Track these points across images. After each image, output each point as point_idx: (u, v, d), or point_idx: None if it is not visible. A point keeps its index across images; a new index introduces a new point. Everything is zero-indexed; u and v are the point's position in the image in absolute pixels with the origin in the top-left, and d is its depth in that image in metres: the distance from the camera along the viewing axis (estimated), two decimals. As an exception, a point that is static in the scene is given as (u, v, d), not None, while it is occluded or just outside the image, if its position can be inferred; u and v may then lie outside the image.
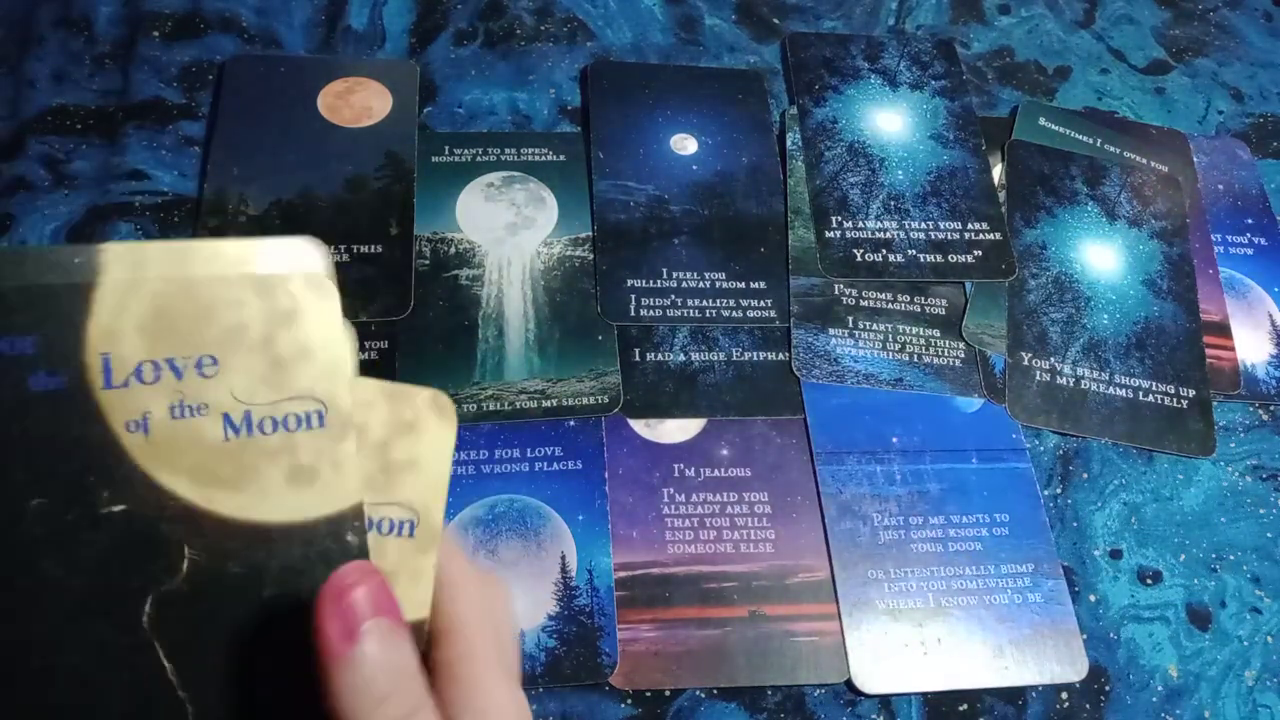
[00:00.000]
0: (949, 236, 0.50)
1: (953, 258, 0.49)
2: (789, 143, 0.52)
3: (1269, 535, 0.45)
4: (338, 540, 0.21)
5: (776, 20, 0.58)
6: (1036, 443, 0.46)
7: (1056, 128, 0.56)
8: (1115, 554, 0.43)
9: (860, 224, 0.50)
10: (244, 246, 0.21)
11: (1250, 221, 0.55)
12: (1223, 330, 0.50)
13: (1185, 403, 0.47)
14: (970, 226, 0.50)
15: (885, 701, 0.39)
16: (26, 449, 0.19)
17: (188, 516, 0.20)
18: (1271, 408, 0.49)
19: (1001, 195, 0.52)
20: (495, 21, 0.55)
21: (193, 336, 0.20)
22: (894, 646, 0.39)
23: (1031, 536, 0.43)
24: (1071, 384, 0.47)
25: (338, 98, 0.50)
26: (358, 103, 0.50)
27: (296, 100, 0.49)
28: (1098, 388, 0.47)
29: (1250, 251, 0.53)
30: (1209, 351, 0.49)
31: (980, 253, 0.50)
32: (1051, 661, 0.40)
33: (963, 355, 0.47)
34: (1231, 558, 0.44)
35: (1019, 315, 0.48)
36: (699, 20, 0.58)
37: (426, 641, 0.22)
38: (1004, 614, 0.41)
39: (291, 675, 0.20)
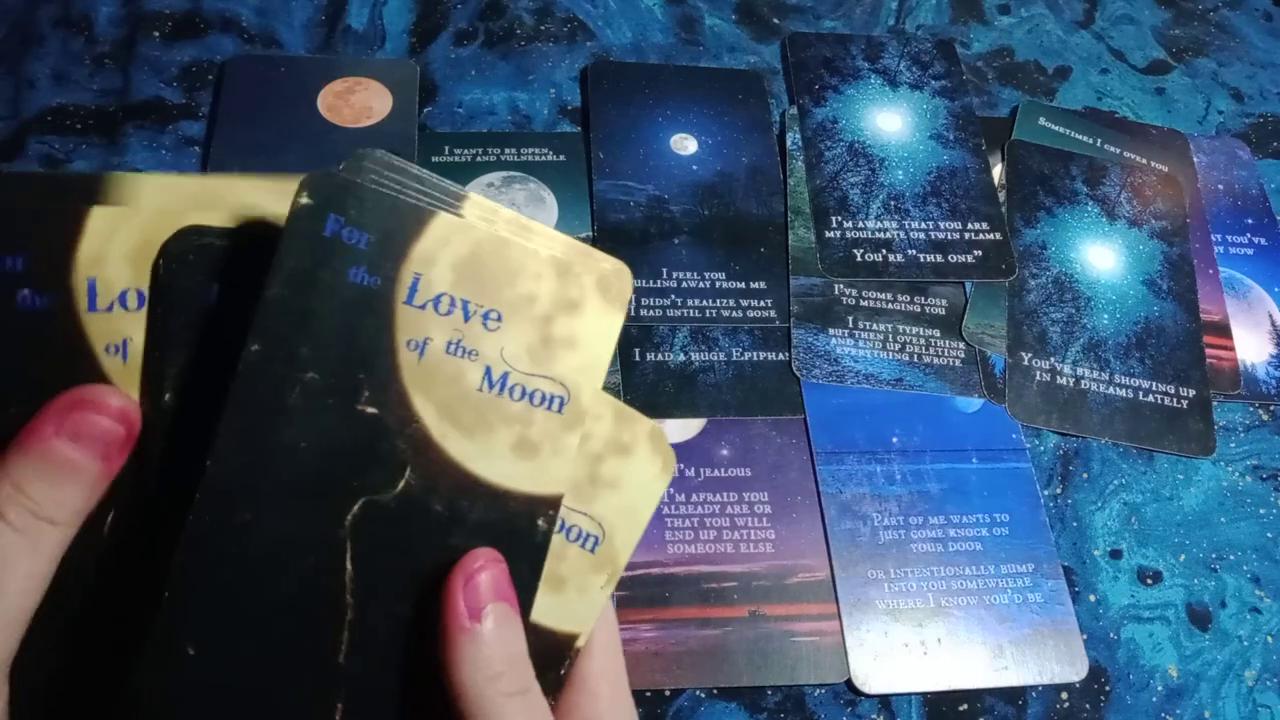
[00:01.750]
0: (949, 236, 0.50)
1: (953, 258, 0.49)
2: (789, 143, 0.52)
3: (1269, 535, 0.45)
4: (530, 520, 0.22)
5: (776, 20, 0.58)
6: (1036, 443, 0.46)
7: (1056, 128, 0.56)
8: (1115, 554, 0.43)
9: (860, 224, 0.50)
10: (568, 241, 0.23)
11: (1250, 221, 0.55)
12: (1223, 330, 0.50)
13: (1185, 403, 0.47)
14: (970, 226, 0.50)
15: (885, 701, 0.39)
16: (326, 329, 0.21)
17: (421, 443, 0.22)
18: (1271, 408, 0.49)
19: (1001, 195, 0.52)
20: (495, 21, 0.55)
21: (492, 290, 0.22)
22: (894, 646, 0.39)
23: (1031, 536, 0.43)
24: (1071, 384, 0.47)
25: (338, 98, 0.50)
26: (358, 103, 0.50)
27: (296, 100, 0.49)
28: (1098, 388, 0.47)
29: (1250, 251, 0.53)
30: (1209, 351, 0.49)
31: (980, 253, 0.50)
32: (1051, 661, 0.40)
33: (963, 355, 0.47)
34: (1231, 558, 0.44)
35: (1019, 315, 0.48)
36: (699, 20, 0.58)
37: (574, 657, 0.23)
38: (1004, 614, 0.41)
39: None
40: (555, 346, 0.22)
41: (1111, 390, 0.47)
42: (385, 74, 0.51)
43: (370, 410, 0.21)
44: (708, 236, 0.48)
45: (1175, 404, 0.47)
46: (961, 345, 0.47)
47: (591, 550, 0.24)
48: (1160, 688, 0.40)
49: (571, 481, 0.23)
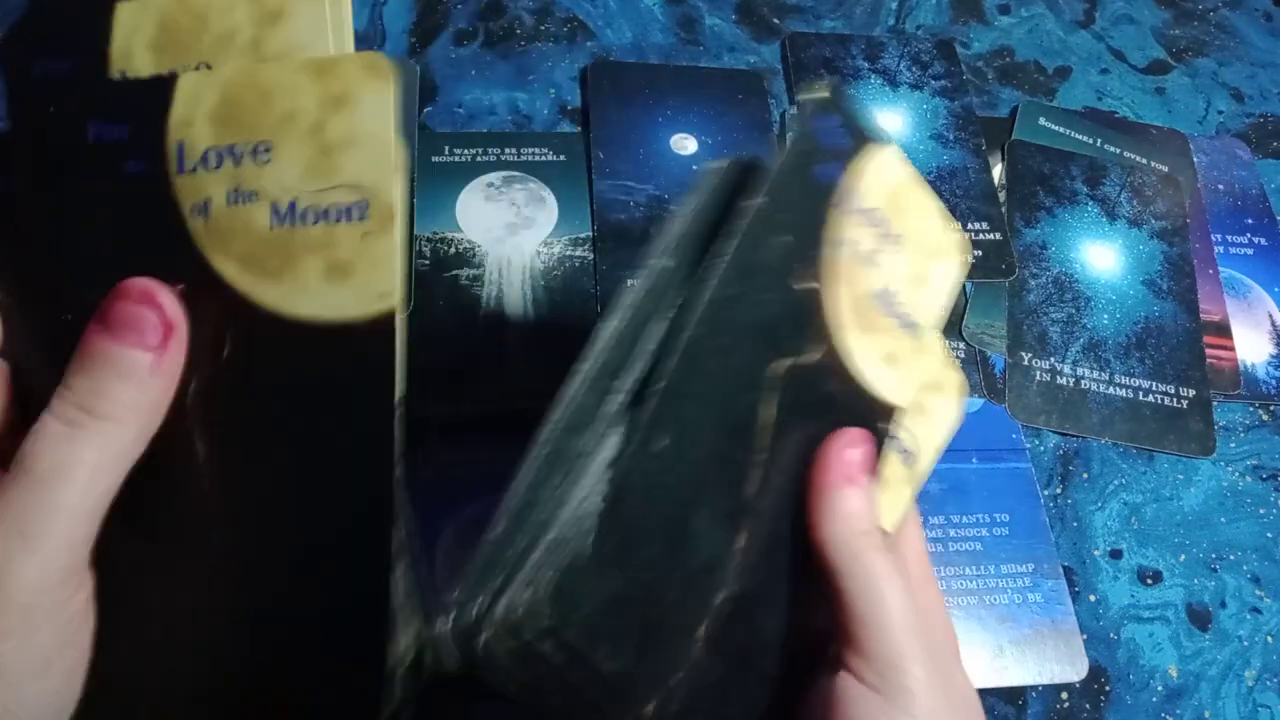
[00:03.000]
0: (949, 236, 0.50)
1: (953, 258, 0.49)
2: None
3: (1269, 535, 0.45)
4: (879, 422, 0.25)
5: (776, 20, 0.58)
6: (1036, 443, 0.46)
7: (1056, 128, 0.56)
8: (1115, 554, 0.43)
9: (860, 224, 0.50)
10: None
11: (1250, 221, 0.55)
12: (1223, 330, 0.50)
13: (1185, 403, 0.47)
14: (970, 226, 0.50)
15: (885, 701, 0.39)
16: (798, 207, 0.23)
17: (830, 325, 0.24)
18: (1271, 408, 0.49)
19: (1001, 195, 0.52)
20: (495, 21, 0.55)
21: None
22: (894, 646, 0.39)
23: (1031, 536, 0.43)
24: (1071, 384, 0.47)
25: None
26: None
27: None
28: (1098, 388, 0.47)
29: (1250, 251, 0.53)
30: (1209, 351, 0.49)
31: (980, 253, 0.50)
32: (1051, 661, 0.40)
33: (963, 355, 0.47)
34: (1231, 558, 0.44)
35: (1019, 315, 0.48)
36: (699, 20, 0.58)
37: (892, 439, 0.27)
38: (1004, 614, 0.41)
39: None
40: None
41: (1111, 390, 0.47)
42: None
43: (810, 285, 0.24)
44: (708, 236, 0.48)
45: (1175, 404, 0.47)
46: (961, 345, 0.47)
47: (908, 465, 0.26)
48: (1160, 688, 0.40)
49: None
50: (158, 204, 0.21)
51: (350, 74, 0.21)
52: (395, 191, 0.21)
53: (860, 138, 0.24)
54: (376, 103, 0.21)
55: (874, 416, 0.25)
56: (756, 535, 0.23)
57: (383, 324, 0.20)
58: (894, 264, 0.25)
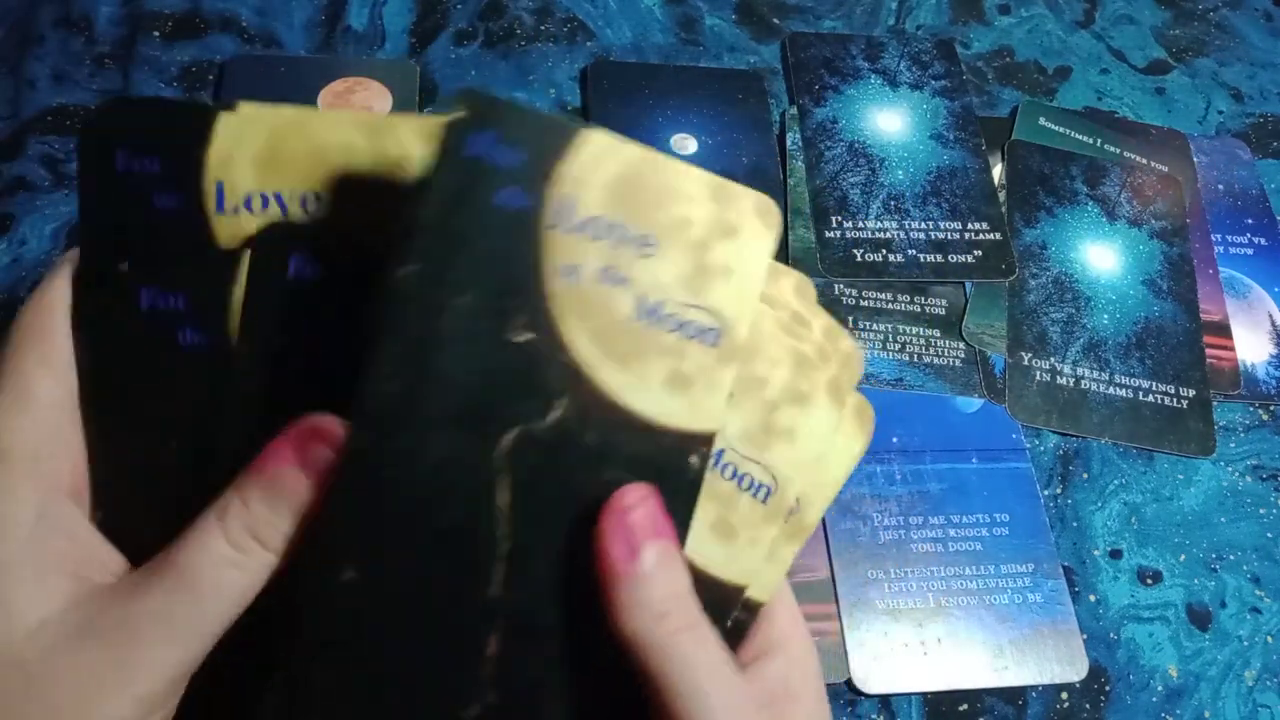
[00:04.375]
0: (949, 236, 0.50)
1: (953, 258, 0.49)
2: (789, 143, 0.52)
3: (1269, 535, 0.45)
4: (682, 456, 0.21)
5: (776, 20, 0.58)
6: (1036, 443, 0.46)
7: (1056, 128, 0.56)
8: (1115, 554, 0.43)
9: (860, 224, 0.50)
10: (711, 177, 0.21)
11: (1250, 221, 0.55)
12: (1223, 330, 0.50)
13: (1185, 403, 0.47)
14: (970, 226, 0.50)
15: (885, 701, 0.39)
16: (478, 252, 0.20)
17: (573, 372, 0.20)
18: (1271, 408, 0.49)
19: (1001, 195, 0.52)
20: (495, 21, 0.55)
21: (646, 213, 0.21)
22: (894, 646, 0.39)
23: (1031, 536, 0.43)
24: (1071, 384, 0.47)
25: (338, 98, 0.50)
26: (358, 103, 0.50)
27: (296, 100, 0.49)
28: (1098, 388, 0.47)
29: (1250, 251, 0.53)
30: (1209, 351, 0.49)
31: (980, 253, 0.50)
32: (1051, 661, 0.40)
33: (963, 355, 0.47)
34: (1231, 558, 0.44)
35: (1019, 315, 0.48)
36: (699, 20, 0.58)
37: (749, 615, 0.23)
38: (1004, 614, 0.41)
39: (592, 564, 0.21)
40: (710, 275, 0.21)
41: (1111, 390, 0.47)
42: (385, 74, 0.51)
43: (522, 338, 0.20)
44: (708, 236, 0.48)
45: (1175, 404, 0.47)
46: (961, 345, 0.47)
47: (763, 501, 0.23)
48: (1160, 688, 0.40)
49: (743, 427, 0.22)
50: (527, 246, 0.20)
51: (745, 209, 0.21)
52: (745, 330, 0.21)
53: (541, 141, 0.20)
54: (759, 246, 0.21)
55: (672, 453, 0.21)
56: (514, 636, 0.21)
57: (703, 442, 0.21)
58: (650, 270, 0.21)
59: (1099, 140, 0.56)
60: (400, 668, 0.20)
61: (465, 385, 0.20)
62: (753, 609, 0.23)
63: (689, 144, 0.51)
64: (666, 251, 0.21)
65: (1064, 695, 0.40)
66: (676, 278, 0.21)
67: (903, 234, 0.50)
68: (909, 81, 0.56)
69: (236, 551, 0.19)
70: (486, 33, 0.55)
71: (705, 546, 0.22)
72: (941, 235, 0.50)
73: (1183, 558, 0.44)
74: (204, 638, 0.19)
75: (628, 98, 0.52)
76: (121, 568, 0.21)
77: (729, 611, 0.22)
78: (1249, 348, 0.50)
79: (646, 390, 0.21)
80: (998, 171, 0.53)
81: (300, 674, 0.20)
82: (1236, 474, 0.46)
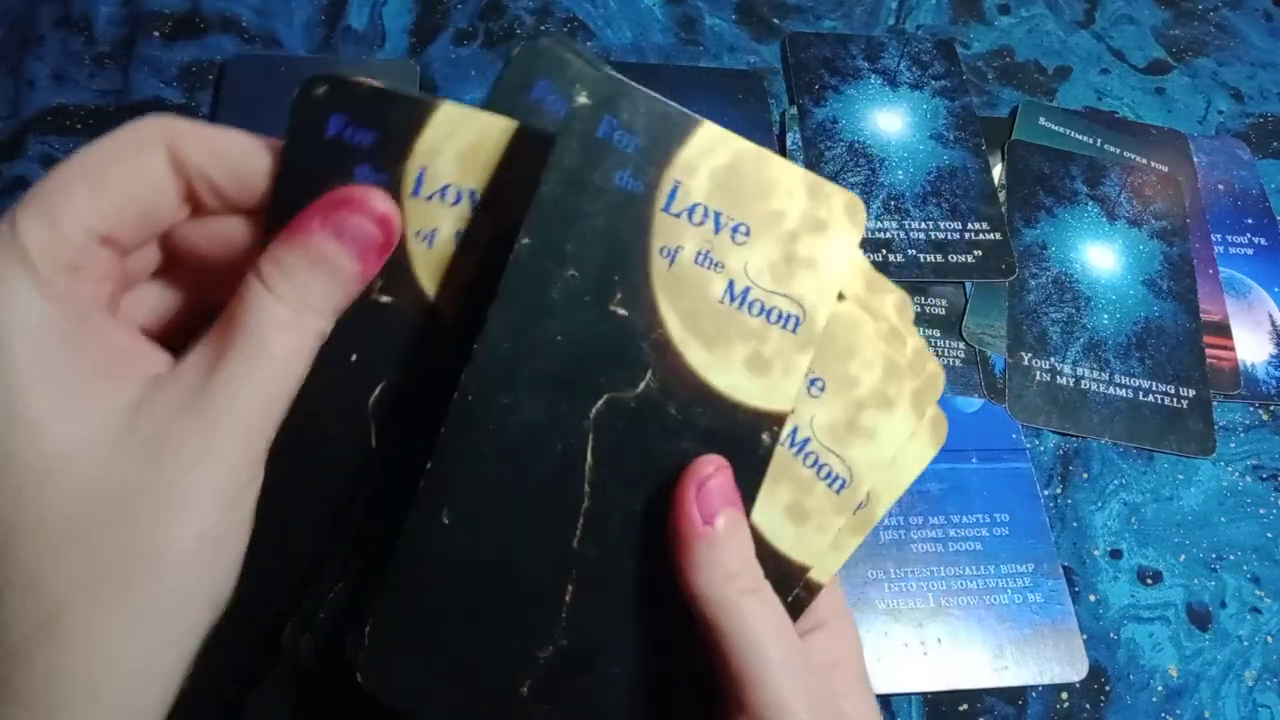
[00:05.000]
0: (949, 236, 0.50)
1: (953, 258, 0.49)
2: (789, 143, 0.52)
3: (1269, 535, 0.45)
4: (755, 434, 0.23)
5: (776, 20, 0.58)
6: (1036, 443, 0.46)
7: (1056, 128, 0.56)
8: (1115, 554, 0.43)
9: (860, 224, 0.50)
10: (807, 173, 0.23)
11: (1250, 221, 0.55)
12: (1223, 330, 0.50)
13: (1185, 403, 0.47)
14: (970, 226, 0.50)
15: (885, 701, 0.39)
16: (590, 229, 0.22)
17: (663, 347, 0.22)
18: (1271, 408, 0.49)
19: (1001, 195, 0.52)
20: (495, 21, 0.55)
21: (744, 203, 0.22)
22: (894, 646, 0.39)
23: (1031, 536, 0.43)
24: (1071, 384, 0.47)
25: (338, 98, 0.50)
26: (358, 103, 0.50)
27: (296, 100, 0.49)
28: (1098, 388, 0.47)
29: (1250, 251, 0.53)
30: (1209, 351, 0.49)
31: (980, 253, 0.50)
32: (1051, 661, 0.40)
33: (963, 355, 0.47)
34: (1231, 558, 0.44)
35: (1019, 315, 0.48)
36: (699, 20, 0.58)
37: (809, 594, 0.24)
38: (1004, 614, 0.41)
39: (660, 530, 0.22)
40: (797, 265, 0.23)
41: (1111, 390, 0.47)
42: (385, 74, 0.51)
43: (621, 311, 0.22)
44: (708, 236, 0.48)
45: (1175, 404, 0.47)
46: (961, 345, 0.47)
47: (837, 491, 0.24)
48: (1160, 688, 0.40)
49: (830, 421, 0.23)
50: (635, 226, 0.22)
51: (835, 206, 0.23)
52: (823, 320, 0.23)
53: (657, 128, 0.22)
54: (844, 241, 0.23)
55: (745, 430, 0.23)
56: (589, 586, 0.22)
57: (775, 421, 0.23)
58: (743, 258, 0.22)
59: (1099, 140, 0.56)
60: (485, 606, 0.22)
61: (566, 351, 0.22)
62: (813, 589, 0.24)
63: (689, 144, 0.51)
64: (759, 240, 0.22)
65: (1064, 695, 0.40)
66: (766, 266, 0.22)
67: (903, 234, 0.50)
68: (909, 81, 0.56)
69: (294, 316, 0.20)
70: (486, 33, 0.55)
71: (778, 525, 0.24)
72: (941, 235, 0.50)
73: (1183, 558, 0.44)
74: (280, 410, 0.20)
75: (628, 98, 0.52)
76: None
77: (792, 588, 0.24)
78: (1249, 348, 0.50)
79: (728, 369, 0.22)
80: (998, 171, 0.53)
81: (391, 608, 0.22)
82: (1236, 474, 0.46)
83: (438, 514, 0.22)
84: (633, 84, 0.22)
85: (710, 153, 0.22)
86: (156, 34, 0.52)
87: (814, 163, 0.51)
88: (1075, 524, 0.44)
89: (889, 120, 0.54)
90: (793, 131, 0.52)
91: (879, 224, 0.50)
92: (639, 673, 0.23)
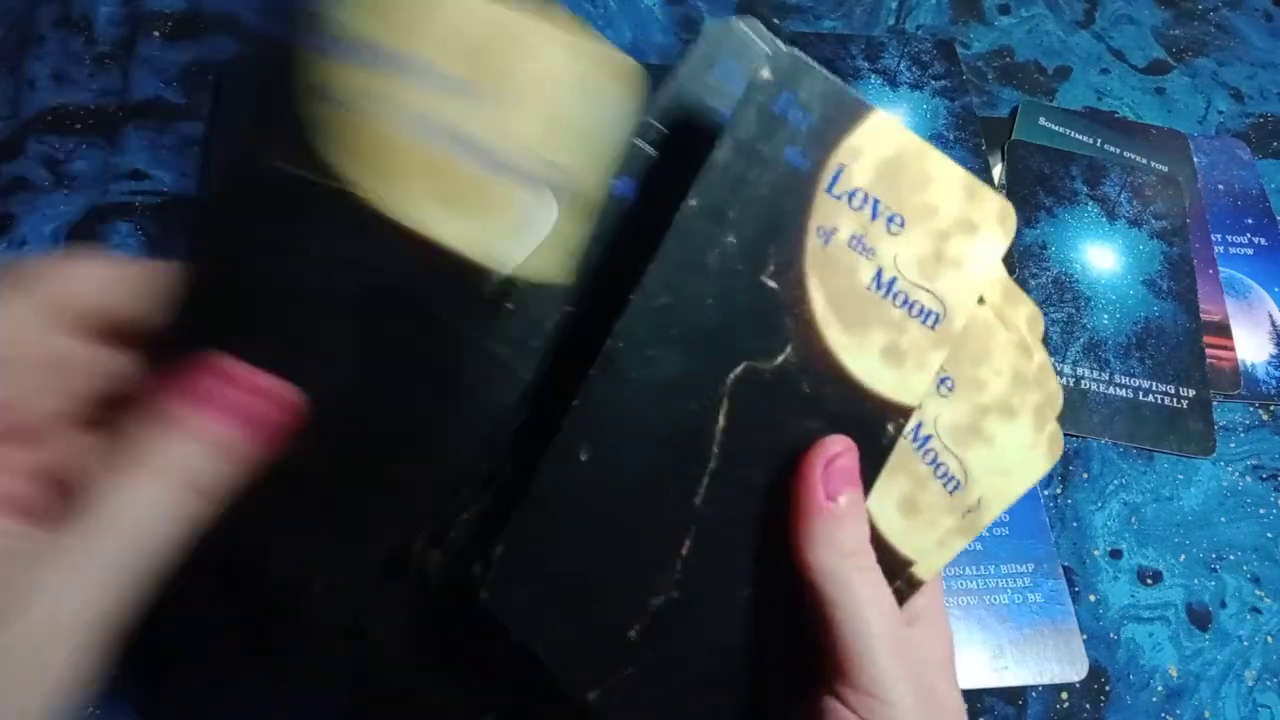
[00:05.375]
0: (949, 236, 0.50)
1: (953, 258, 0.49)
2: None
3: (1269, 535, 0.45)
4: (880, 423, 0.23)
5: (776, 20, 0.58)
6: (1036, 443, 0.46)
7: (1056, 128, 0.56)
8: (1115, 554, 0.43)
9: (860, 224, 0.50)
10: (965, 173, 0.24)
11: (1250, 221, 0.55)
12: (1223, 330, 0.50)
13: (1185, 403, 0.47)
14: (970, 226, 0.50)
15: (885, 701, 0.39)
16: (754, 199, 0.22)
17: (806, 323, 0.23)
18: (1271, 408, 0.49)
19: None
20: (495, 21, 0.55)
21: (902, 194, 0.23)
22: (894, 646, 0.39)
23: (1031, 536, 0.43)
24: (1071, 384, 0.47)
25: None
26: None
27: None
28: (1098, 388, 0.47)
29: (1250, 251, 0.53)
30: (1209, 351, 0.49)
31: (980, 253, 0.50)
32: (1051, 661, 0.40)
33: (963, 355, 0.47)
34: (1231, 558, 0.44)
35: (1019, 315, 0.48)
36: (699, 20, 0.58)
37: (910, 589, 0.25)
38: (1004, 614, 0.41)
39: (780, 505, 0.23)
40: (945, 263, 0.23)
41: (1111, 390, 0.47)
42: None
43: (771, 283, 0.22)
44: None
45: (1175, 404, 0.47)
46: (961, 345, 0.47)
47: (951, 492, 0.24)
48: (1160, 688, 0.40)
49: (954, 422, 0.24)
50: (796, 202, 0.22)
51: (988, 210, 0.23)
52: (961, 321, 0.23)
53: (831, 109, 0.22)
54: (992, 246, 0.23)
55: (872, 417, 0.23)
56: (704, 544, 0.23)
57: (902, 414, 0.23)
58: (894, 248, 0.23)
59: (1099, 140, 0.56)
60: (608, 547, 0.23)
61: (714, 314, 0.22)
62: (914, 584, 0.25)
63: (689, 144, 0.51)
64: (912, 233, 0.23)
65: (1064, 695, 0.40)
66: (915, 259, 0.23)
67: (903, 234, 0.50)
68: (909, 81, 0.56)
69: (177, 505, 0.19)
70: (486, 33, 0.55)
71: (890, 515, 0.24)
72: (941, 235, 0.50)
73: (1183, 558, 0.44)
74: (128, 584, 0.19)
75: (628, 98, 0.52)
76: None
77: (894, 579, 0.24)
78: (1249, 348, 0.50)
79: (864, 356, 0.23)
80: (998, 171, 0.53)
81: (521, 536, 0.23)
82: (1236, 474, 0.46)
83: (576, 452, 0.22)
84: (814, 64, 0.22)
85: (877, 140, 0.23)
86: (156, 34, 0.52)
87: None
88: (1075, 524, 0.44)
89: (889, 120, 0.54)
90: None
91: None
92: (739, 636, 0.23)
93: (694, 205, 0.22)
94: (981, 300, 0.24)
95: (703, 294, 0.22)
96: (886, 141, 0.23)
